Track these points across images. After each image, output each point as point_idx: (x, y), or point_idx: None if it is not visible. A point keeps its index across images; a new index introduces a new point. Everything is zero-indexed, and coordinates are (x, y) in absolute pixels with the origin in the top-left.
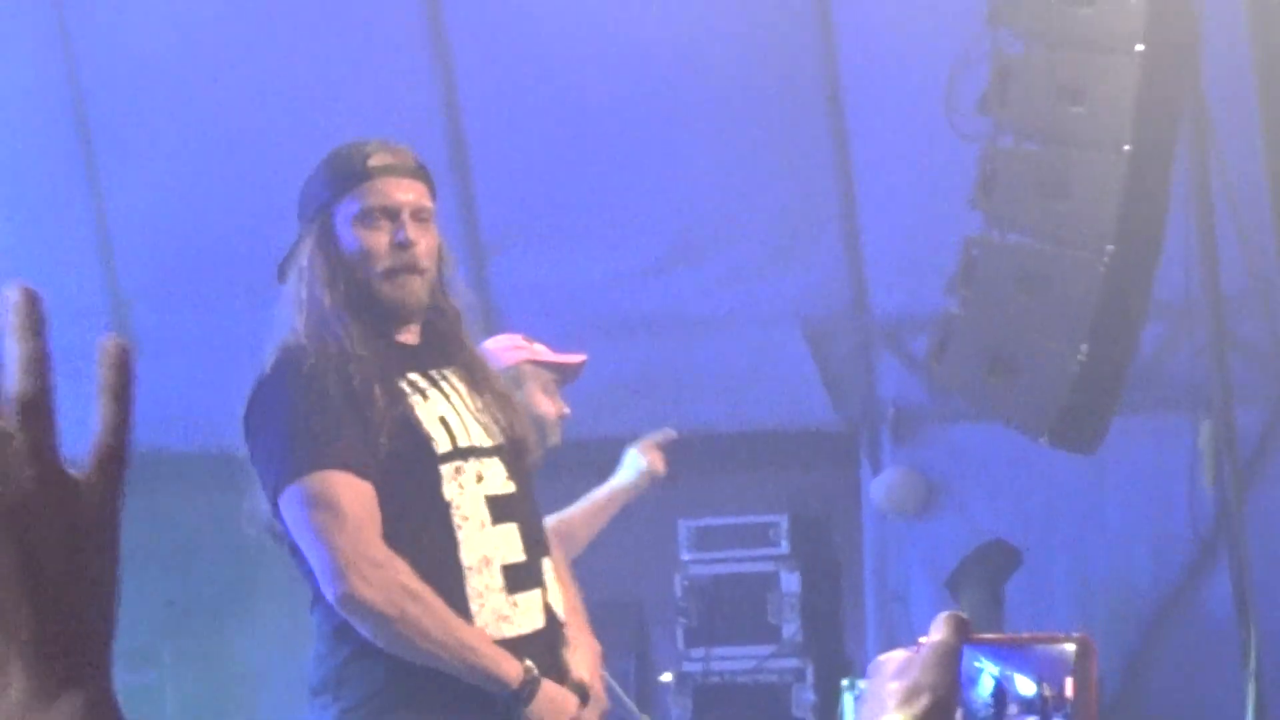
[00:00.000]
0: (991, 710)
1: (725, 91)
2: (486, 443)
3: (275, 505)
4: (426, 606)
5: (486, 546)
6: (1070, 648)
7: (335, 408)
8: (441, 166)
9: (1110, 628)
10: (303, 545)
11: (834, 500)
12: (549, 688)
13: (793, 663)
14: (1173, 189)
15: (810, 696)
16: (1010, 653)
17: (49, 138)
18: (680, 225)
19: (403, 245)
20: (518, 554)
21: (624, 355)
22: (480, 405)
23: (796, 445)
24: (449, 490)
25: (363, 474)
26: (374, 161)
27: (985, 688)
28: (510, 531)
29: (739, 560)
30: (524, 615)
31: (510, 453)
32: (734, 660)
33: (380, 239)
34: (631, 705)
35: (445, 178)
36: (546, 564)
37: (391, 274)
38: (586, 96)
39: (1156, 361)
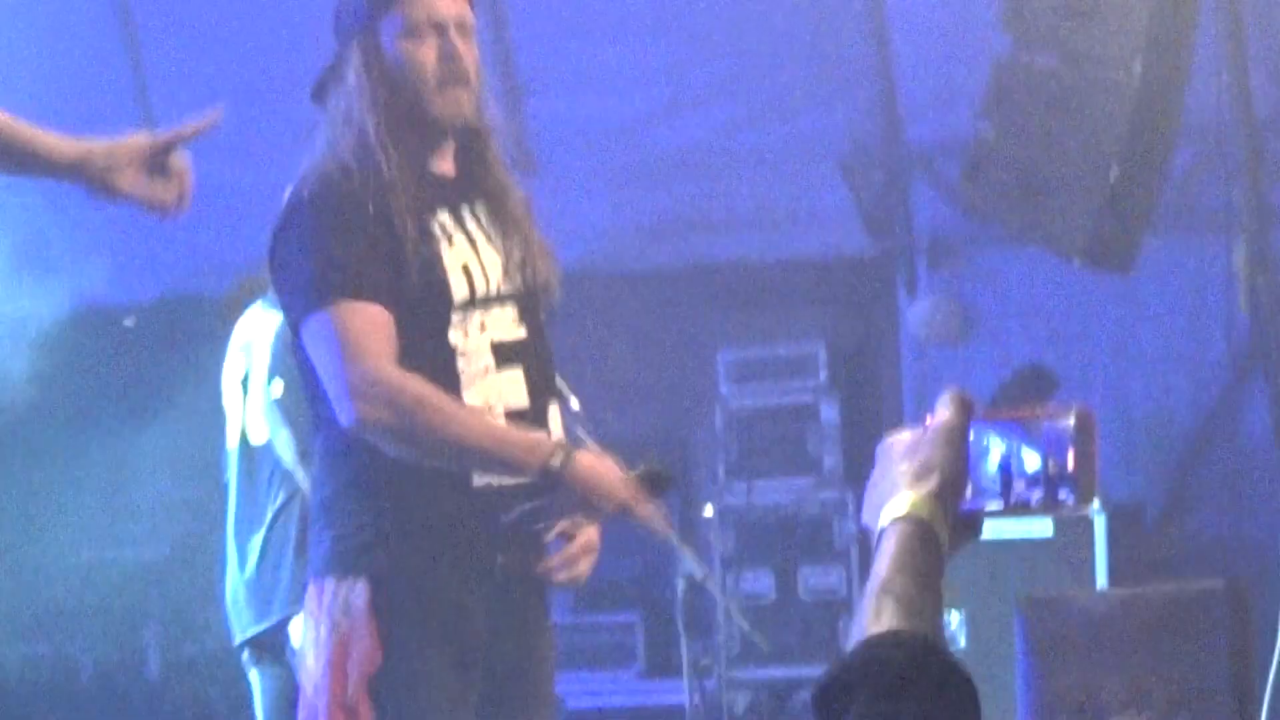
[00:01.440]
0: (999, 485)
1: None
2: (504, 288)
3: (297, 332)
4: (439, 409)
5: (490, 392)
6: (1071, 421)
7: (363, 238)
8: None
9: (1149, 453)
10: (319, 373)
11: (871, 330)
12: (585, 455)
13: (833, 494)
14: (1202, 7)
15: (852, 528)
16: (1015, 428)
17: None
18: (713, 62)
19: (452, 58)
20: (522, 399)
21: (660, 192)
22: (503, 245)
23: (833, 277)
24: (454, 336)
25: (382, 301)
26: None
27: (993, 463)
28: (515, 377)
29: (778, 393)
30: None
31: (526, 297)
32: (775, 493)
33: (429, 53)
34: (674, 539)
35: (480, 21)
36: (553, 410)
37: (442, 87)
38: None
39: (1189, 184)
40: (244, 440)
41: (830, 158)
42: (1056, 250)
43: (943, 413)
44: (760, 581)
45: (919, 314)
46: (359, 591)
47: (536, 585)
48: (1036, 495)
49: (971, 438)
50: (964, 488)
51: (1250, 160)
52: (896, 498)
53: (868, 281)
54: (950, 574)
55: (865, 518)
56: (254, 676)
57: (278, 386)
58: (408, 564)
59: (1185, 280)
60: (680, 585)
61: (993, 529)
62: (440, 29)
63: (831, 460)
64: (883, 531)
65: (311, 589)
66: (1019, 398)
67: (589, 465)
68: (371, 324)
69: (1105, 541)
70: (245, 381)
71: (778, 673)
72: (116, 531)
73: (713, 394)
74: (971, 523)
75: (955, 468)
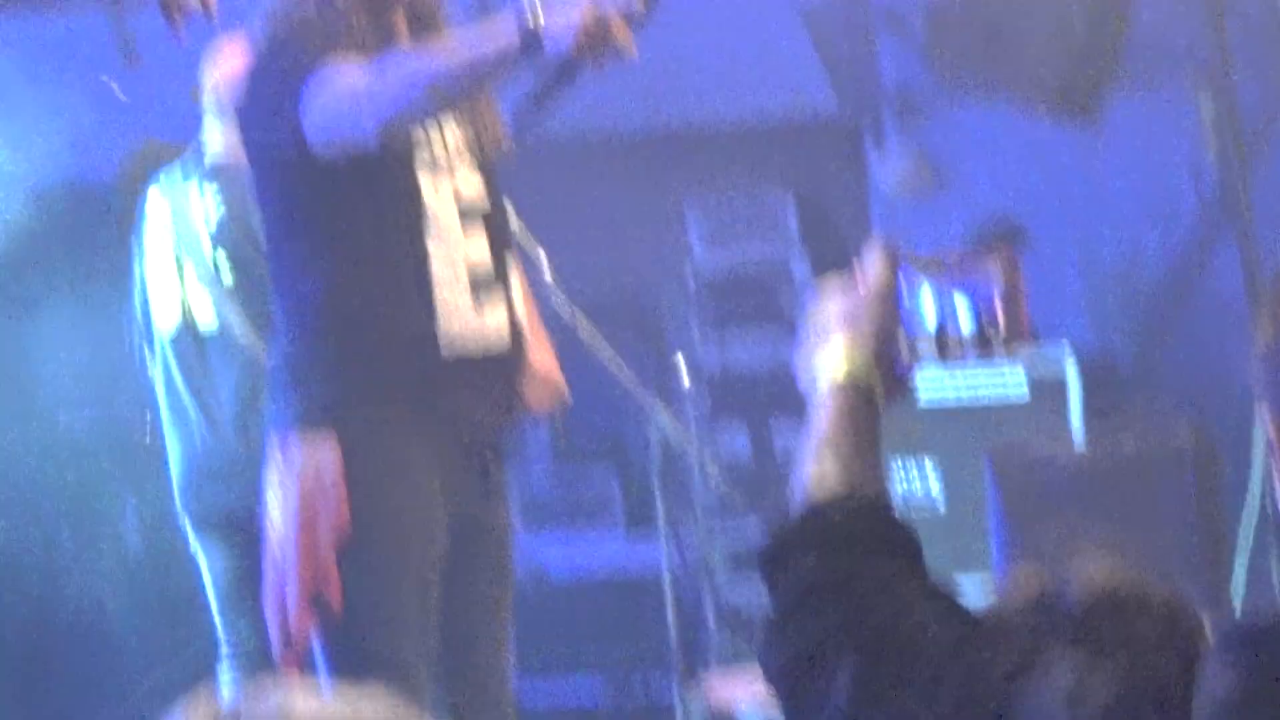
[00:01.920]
0: (932, 334)
1: None
2: (464, 152)
3: (298, 150)
4: (409, 69)
5: (456, 258)
6: (997, 264)
7: (315, 17)
8: None
9: (1120, 307)
10: (327, 139)
11: (841, 186)
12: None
13: None
14: None
15: None
16: (946, 274)
17: None
18: None
19: None
20: (485, 261)
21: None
22: (458, 113)
23: (800, 134)
24: (427, 195)
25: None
26: None
27: (926, 310)
28: (479, 241)
29: (749, 251)
30: (490, 322)
31: (485, 164)
32: (748, 349)
33: None
34: (649, 397)
35: None
36: (514, 278)
37: None
38: None
39: (1155, 32)
40: (189, 325)
41: (793, 16)
42: (1023, 101)
43: (871, 270)
44: (736, 438)
45: (887, 169)
46: (327, 450)
47: (498, 454)
48: (970, 342)
49: (902, 288)
50: (896, 342)
51: (1214, 5)
52: (831, 358)
53: (836, 138)
54: (924, 433)
55: (801, 380)
56: (203, 554)
57: (227, 274)
58: (377, 425)
59: (1154, 132)
60: (654, 443)
61: (969, 391)
62: None
63: (802, 316)
64: (819, 392)
65: (275, 442)
66: (987, 249)
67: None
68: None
69: (1080, 397)
70: (179, 263)
71: (756, 527)
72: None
73: (683, 254)
74: (902, 383)
75: (886, 323)
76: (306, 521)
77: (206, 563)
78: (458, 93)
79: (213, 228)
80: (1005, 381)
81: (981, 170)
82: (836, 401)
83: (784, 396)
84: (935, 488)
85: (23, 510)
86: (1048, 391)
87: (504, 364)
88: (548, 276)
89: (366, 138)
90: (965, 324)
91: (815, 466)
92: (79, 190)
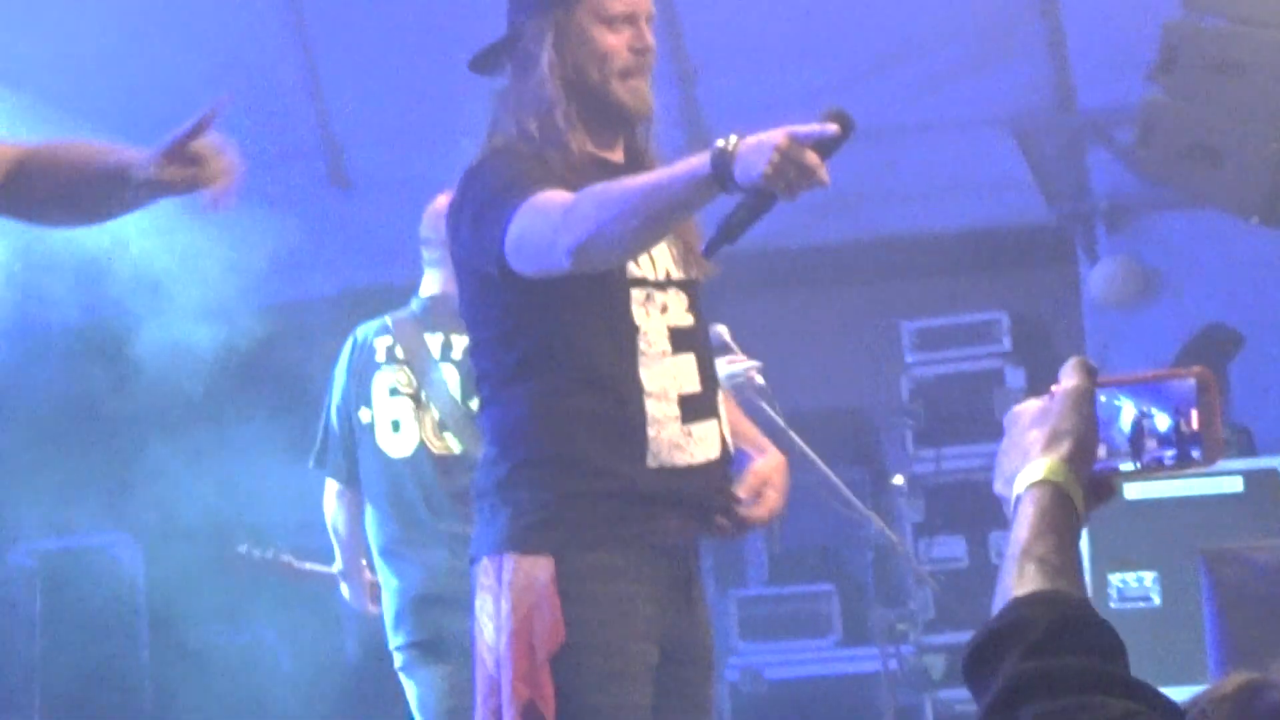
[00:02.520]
0: (1130, 445)
1: None
2: (675, 274)
3: (501, 272)
4: (608, 193)
5: (665, 376)
6: (1192, 381)
7: (534, 169)
8: None
9: None
10: (526, 266)
11: (1053, 296)
12: (749, 139)
13: None
14: None
15: None
16: (1144, 389)
17: None
18: (883, 31)
19: (643, 50)
20: (694, 384)
21: (834, 164)
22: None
23: (1012, 244)
24: (638, 315)
25: (558, 185)
26: None
27: (1125, 422)
28: (688, 362)
29: (963, 359)
30: (699, 445)
31: (692, 286)
32: (963, 459)
33: (621, 41)
34: (864, 510)
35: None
36: (719, 395)
37: (626, 75)
38: None
39: None
40: (424, 449)
41: (1005, 127)
42: (1233, 210)
43: (1069, 380)
44: (952, 548)
45: (1099, 278)
46: (542, 567)
47: (700, 560)
48: (1169, 454)
49: (1101, 400)
50: (1095, 450)
51: None
52: (1030, 464)
53: (1047, 247)
54: (1141, 533)
55: (998, 486)
56: (412, 682)
57: (475, 403)
58: (588, 541)
59: None
60: (869, 554)
61: (1182, 487)
62: (633, 19)
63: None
64: (1019, 498)
65: (486, 564)
66: (1202, 357)
67: (752, 137)
68: (545, 197)
69: None
70: (418, 394)
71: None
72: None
73: (898, 364)
74: (1105, 484)
75: (1085, 432)
76: (520, 634)
77: (417, 688)
78: (650, 221)
79: (442, 355)
80: (1219, 479)
81: (1194, 278)
82: (1034, 504)
83: (1000, 507)
84: (1149, 584)
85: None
86: (1261, 482)
87: (713, 481)
88: (761, 390)
89: (560, 265)
90: (1162, 426)
91: (1016, 568)
92: (290, 310)
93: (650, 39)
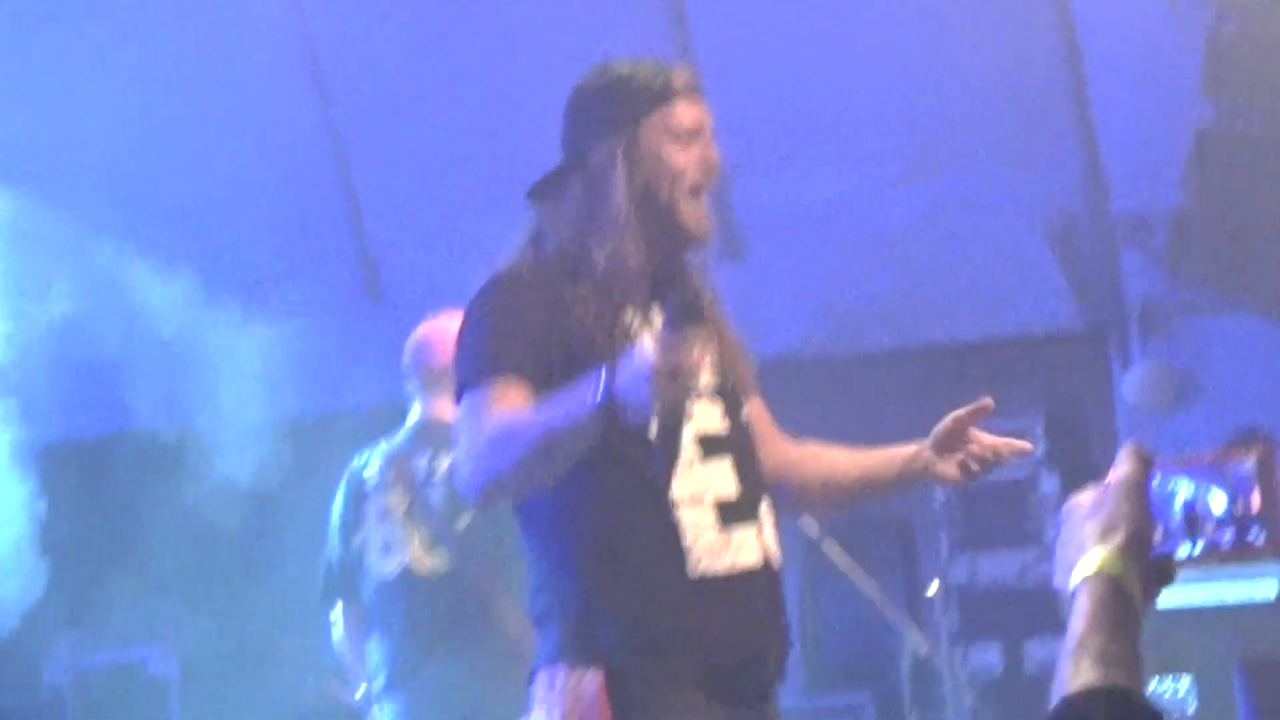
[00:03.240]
0: (1185, 526)
1: (953, 1)
2: (704, 385)
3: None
4: (511, 425)
5: (697, 483)
6: (1252, 462)
7: (520, 325)
8: None
9: None
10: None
11: (1087, 400)
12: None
13: None
14: None
15: None
16: (1202, 471)
17: (291, 99)
18: (916, 137)
19: (710, 168)
20: (730, 489)
21: (870, 271)
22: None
23: (1046, 348)
24: (655, 429)
25: (523, 376)
26: (679, 81)
27: (1180, 504)
28: (723, 468)
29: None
30: (739, 551)
31: (728, 393)
32: (998, 566)
33: (690, 157)
34: (901, 618)
35: None
36: (764, 502)
37: (695, 192)
38: (820, 16)
39: None
40: (411, 569)
41: (1038, 232)
42: (1267, 312)
43: (1123, 467)
44: (988, 656)
45: (1134, 382)
46: (592, 678)
47: (759, 671)
48: (1227, 535)
49: (1155, 485)
50: (1151, 538)
51: None
52: (1086, 556)
53: (1081, 352)
54: (1177, 638)
55: (1057, 580)
56: None
57: (463, 520)
58: (636, 650)
59: None
60: (906, 662)
61: (1217, 594)
62: (700, 133)
63: (1053, 532)
64: (1075, 591)
65: (542, 677)
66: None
67: (624, 364)
68: (502, 400)
69: None
70: (408, 516)
71: None
72: None
73: None
74: (1164, 570)
75: (1140, 519)
76: None
77: None
78: (550, 459)
79: (429, 477)
80: (1254, 584)
81: (1229, 381)
82: (1090, 597)
83: (1035, 614)
84: (1184, 686)
85: None
86: None
87: (758, 588)
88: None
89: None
90: (1218, 508)
91: (1071, 662)
92: (326, 422)
93: (718, 154)
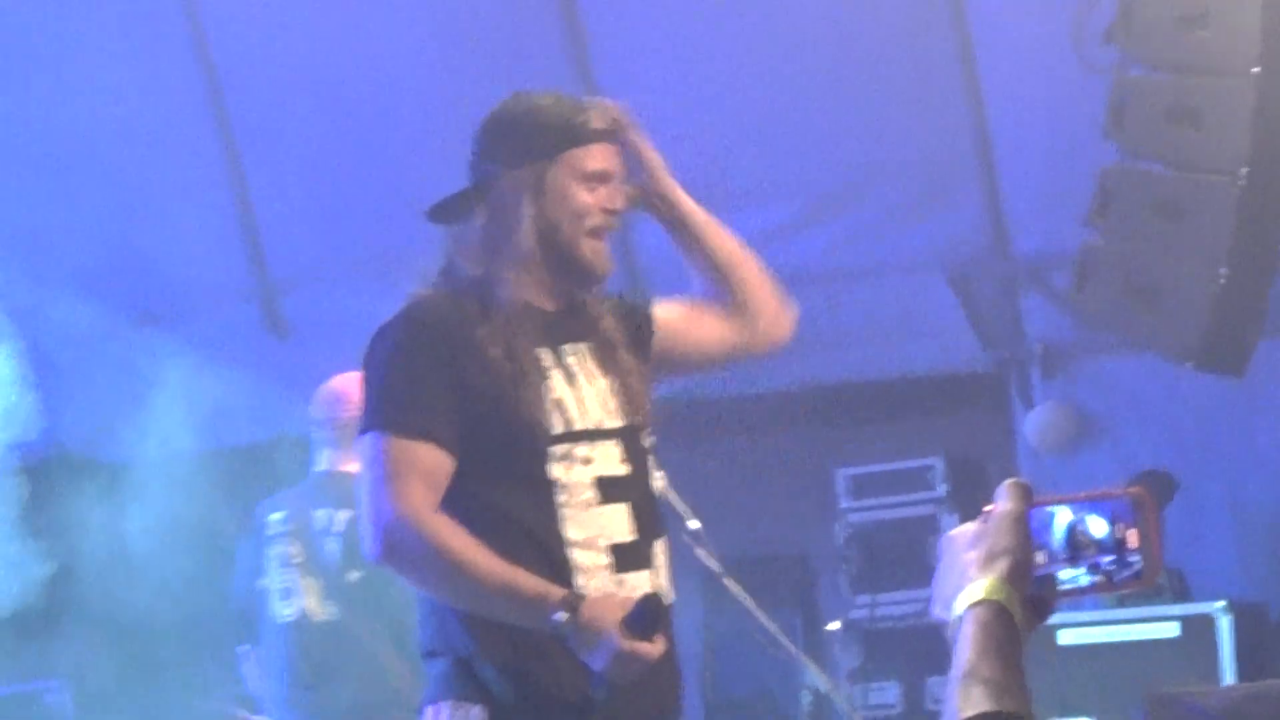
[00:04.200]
0: (1067, 549)
1: (855, 41)
2: (607, 425)
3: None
4: (458, 559)
5: (592, 526)
6: (1128, 499)
7: (442, 375)
8: None
9: (1267, 551)
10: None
11: (988, 441)
12: (590, 606)
13: None
14: None
15: None
16: (1081, 505)
17: (189, 130)
18: (819, 179)
19: (612, 211)
20: (625, 534)
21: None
22: (605, 383)
23: (947, 389)
24: (555, 470)
25: (439, 442)
26: (597, 124)
27: (1060, 527)
28: (619, 512)
29: (898, 505)
30: (632, 594)
31: (629, 435)
32: (899, 605)
33: (596, 200)
34: (800, 656)
35: None
36: (658, 546)
37: (595, 233)
38: (721, 56)
39: None
40: (306, 616)
41: (940, 272)
42: (1169, 355)
43: (1003, 501)
44: (887, 694)
45: (1035, 423)
46: (475, 715)
47: (649, 711)
48: (1107, 558)
49: (1033, 522)
50: (1031, 568)
51: None
52: (970, 585)
53: (983, 392)
54: (1080, 678)
55: (936, 610)
56: None
57: (355, 574)
58: (520, 685)
59: None
60: (805, 699)
61: (1119, 632)
62: (606, 178)
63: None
64: (960, 619)
65: (429, 712)
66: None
67: (589, 616)
68: (416, 464)
69: (1231, 639)
70: (305, 565)
71: None
72: None
73: (833, 510)
74: (1044, 601)
75: (1022, 549)
76: None
77: None
78: (470, 603)
79: (327, 529)
80: (1158, 626)
81: (1130, 422)
82: (976, 623)
83: (934, 652)
84: None
85: None
86: (1198, 628)
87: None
88: (696, 536)
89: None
90: (1099, 531)
91: (960, 690)
92: (237, 454)
93: (621, 201)
